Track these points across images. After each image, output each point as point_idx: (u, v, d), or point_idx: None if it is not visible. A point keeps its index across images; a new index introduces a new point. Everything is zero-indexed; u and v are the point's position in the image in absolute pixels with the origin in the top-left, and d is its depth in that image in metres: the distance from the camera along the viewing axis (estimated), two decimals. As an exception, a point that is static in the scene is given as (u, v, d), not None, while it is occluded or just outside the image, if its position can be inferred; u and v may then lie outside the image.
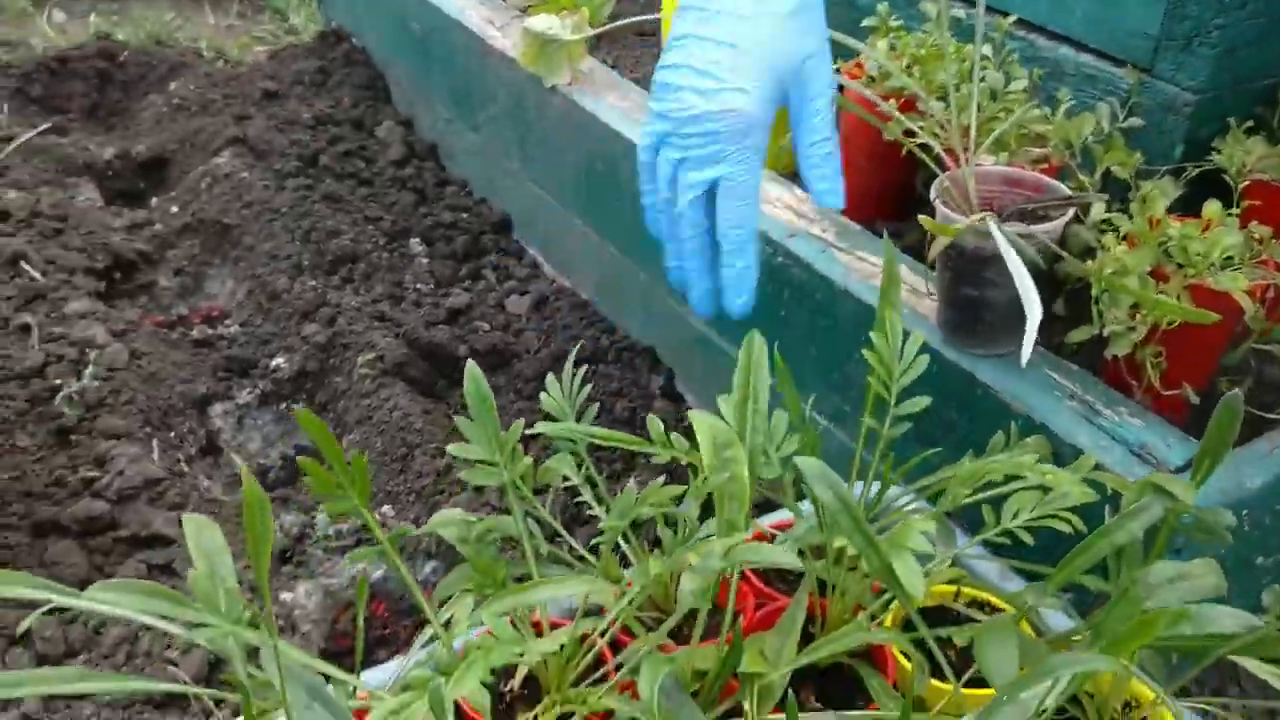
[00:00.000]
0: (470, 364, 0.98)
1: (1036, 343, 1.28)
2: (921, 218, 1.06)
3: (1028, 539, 0.97)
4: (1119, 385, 1.22)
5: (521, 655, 0.77)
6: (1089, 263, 1.14)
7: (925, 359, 0.99)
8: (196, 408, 1.67)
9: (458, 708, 0.91)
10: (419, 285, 1.89)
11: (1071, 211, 1.17)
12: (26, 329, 1.70)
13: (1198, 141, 1.38)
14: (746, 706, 0.89)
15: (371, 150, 2.18)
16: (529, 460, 0.98)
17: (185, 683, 1.23)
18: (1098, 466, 1.09)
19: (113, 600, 0.85)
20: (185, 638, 0.83)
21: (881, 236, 1.50)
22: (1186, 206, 1.29)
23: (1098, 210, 1.30)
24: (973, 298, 1.19)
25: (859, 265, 1.37)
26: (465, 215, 2.04)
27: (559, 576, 0.89)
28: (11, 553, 1.35)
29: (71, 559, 1.33)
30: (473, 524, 0.99)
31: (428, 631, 0.96)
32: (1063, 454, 1.13)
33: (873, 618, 0.97)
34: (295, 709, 0.73)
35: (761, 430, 0.92)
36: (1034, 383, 1.20)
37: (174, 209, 2.10)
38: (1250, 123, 1.35)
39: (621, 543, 1.04)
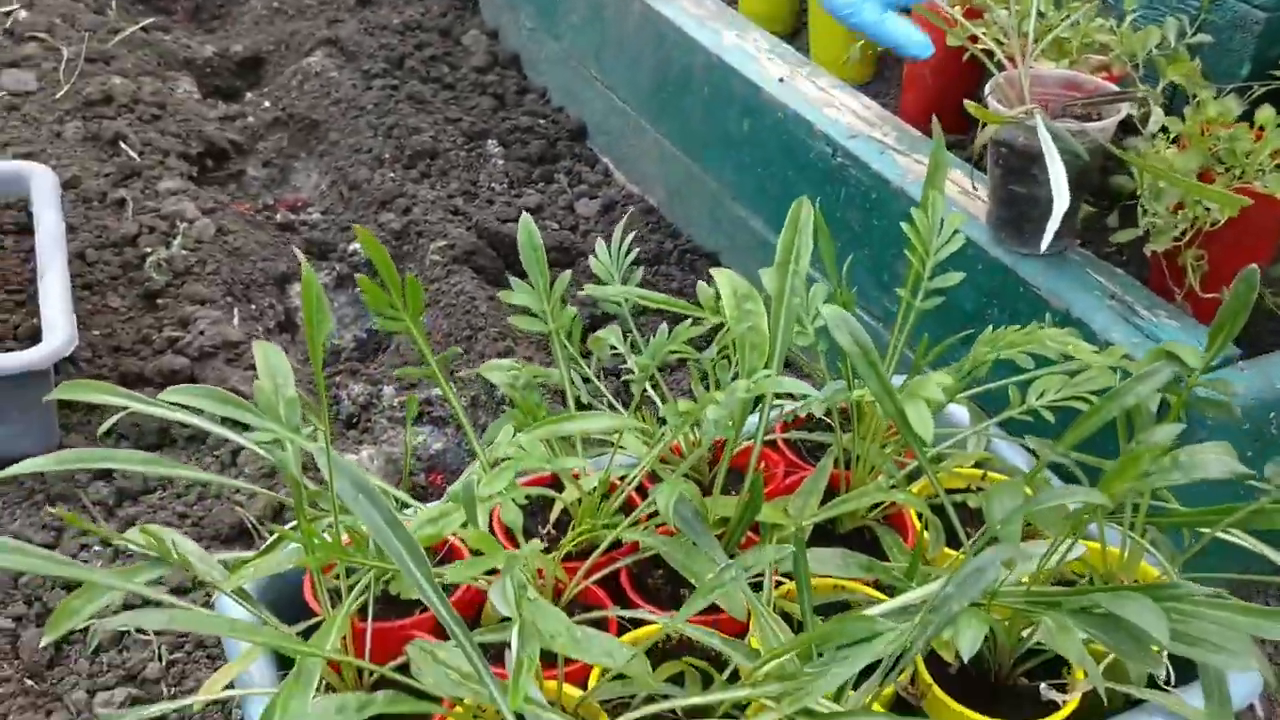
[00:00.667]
0: (524, 215, 1.04)
1: (1082, 244, 1.30)
2: (968, 103, 1.09)
3: (1049, 418, 1.00)
4: (1162, 292, 1.24)
5: (548, 465, 0.82)
6: (1134, 154, 1.15)
7: (962, 237, 1.02)
8: (276, 285, 1.76)
9: (494, 533, 0.97)
10: (493, 184, 1.96)
11: (1125, 111, 1.18)
12: (122, 203, 1.79)
13: (1265, 60, 1.38)
14: (766, 555, 0.94)
15: (456, 56, 2.24)
16: (574, 311, 1.04)
17: (251, 523, 1.32)
18: (1127, 359, 1.12)
19: (186, 400, 0.92)
20: (250, 444, 0.90)
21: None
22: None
23: (1156, 119, 1.32)
24: (1020, 195, 1.22)
25: (915, 167, 1.40)
26: (542, 122, 2.10)
27: (592, 413, 0.95)
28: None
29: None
30: (519, 371, 1.05)
31: (473, 465, 1.02)
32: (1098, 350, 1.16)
33: (893, 486, 1.01)
34: (346, 500, 0.79)
35: (800, 293, 0.96)
36: (1075, 281, 1.22)
37: (266, 104, 2.18)
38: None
39: (653, 393, 1.09)
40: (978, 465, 1.13)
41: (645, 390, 1.03)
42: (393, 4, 2.41)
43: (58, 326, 1.29)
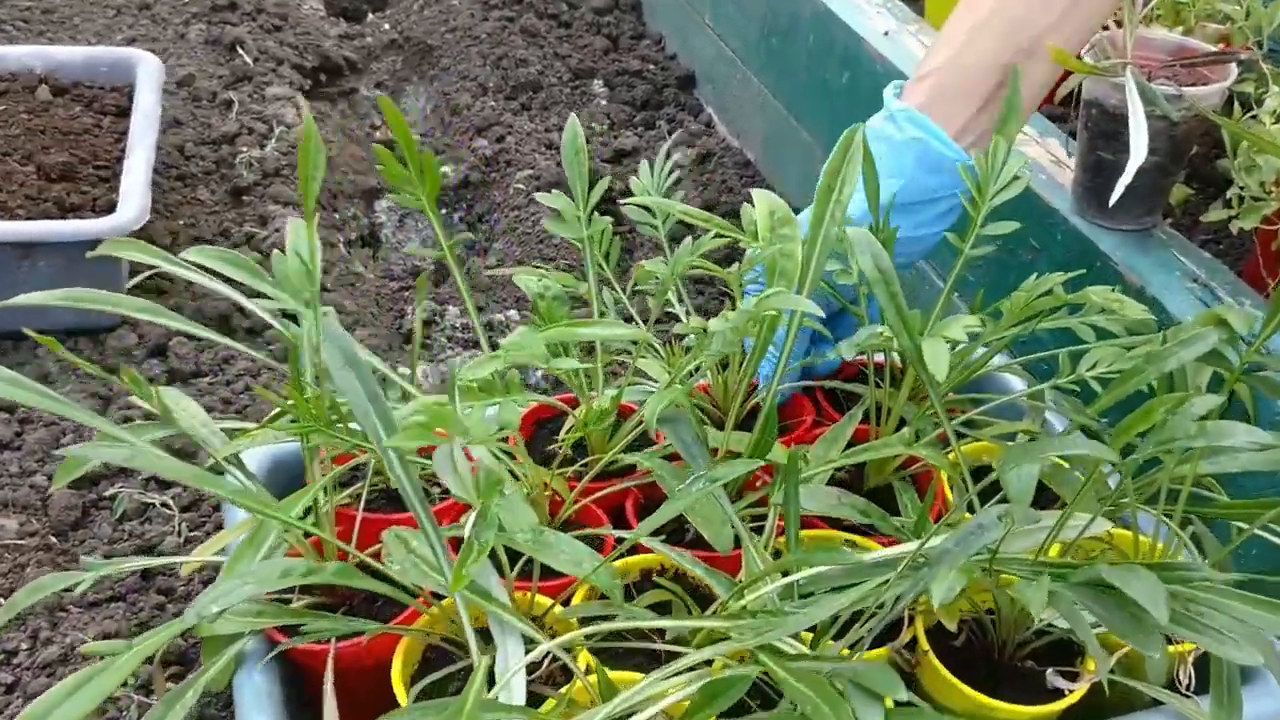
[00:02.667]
0: (571, 118, 1.01)
1: (1173, 223, 1.23)
2: (1050, 45, 1.02)
3: (1098, 389, 0.94)
4: (1255, 282, 1.16)
5: (546, 363, 0.80)
6: (1229, 120, 1.08)
7: (1022, 182, 0.96)
8: (364, 198, 1.77)
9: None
10: (593, 124, 1.94)
11: (1232, 78, 1.10)
12: (230, 104, 1.83)
13: None
14: (771, 497, 0.90)
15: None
16: (608, 222, 1.01)
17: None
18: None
19: (205, 260, 0.93)
20: (263, 313, 0.90)
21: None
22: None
23: (1275, 97, 1.23)
24: (1108, 161, 1.15)
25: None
26: (652, 67, 2.07)
27: (609, 321, 0.92)
28: (170, 283, 1.47)
29: (217, 297, 1.44)
30: (550, 281, 1.03)
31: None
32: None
33: (919, 437, 0.96)
34: (331, 368, 0.78)
35: (839, 221, 0.92)
36: (1156, 259, 1.15)
37: (385, 25, 2.20)
38: None
39: (683, 314, 1.06)
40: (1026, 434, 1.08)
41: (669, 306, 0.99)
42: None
43: (131, 201, 1.32)
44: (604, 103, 1.99)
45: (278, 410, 0.90)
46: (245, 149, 1.70)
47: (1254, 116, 1.13)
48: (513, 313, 1.57)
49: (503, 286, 1.62)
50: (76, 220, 1.29)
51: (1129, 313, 0.86)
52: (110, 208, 1.37)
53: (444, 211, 1.80)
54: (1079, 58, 1.14)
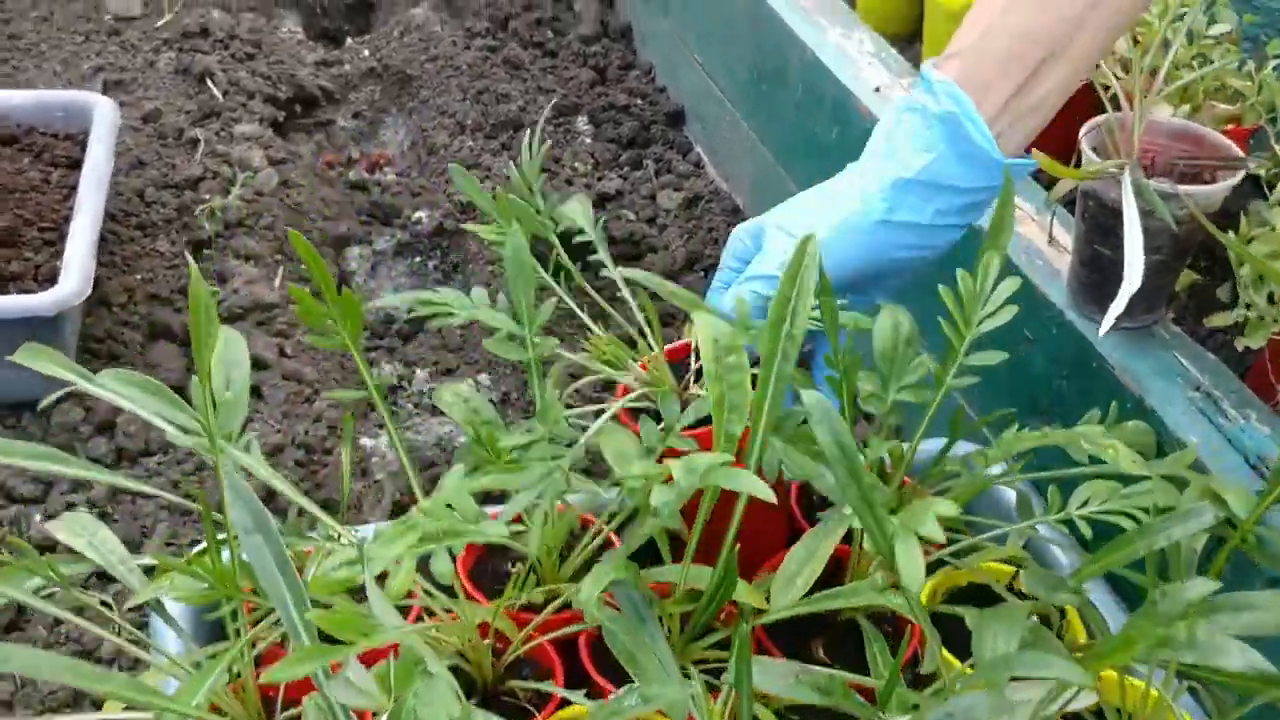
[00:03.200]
0: (513, 233, 0.94)
1: (1176, 321, 1.15)
2: (1035, 152, 0.94)
3: (1086, 532, 0.86)
4: (1261, 389, 1.08)
5: (459, 537, 0.73)
6: (1232, 234, 1.00)
7: (1012, 310, 0.88)
8: (333, 246, 1.70)
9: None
10: (576, 164, 1.86)
11: (1238, 178, 1.02)
12: (195, 143, 1.75)
13: None
14: (736, 642, 0.83)
15: (565, 22, 2.15)
16: (555, 344, 0.93)
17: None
18: (1199, 466, 0.97)
19: (119, 390, 0.86)
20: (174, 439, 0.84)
21: (1039, 183, 1.38)
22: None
23: (1285, 188, 1.15)
24: (1105, 258, 1.07)
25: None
26: (640, 101, 1.99)
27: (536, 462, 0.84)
28: (124, 348, 1.40)
29: (171, 364, 1.38)
30: (475, 401, 0.95)
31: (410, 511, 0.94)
32: (1167, 449, 1.01)
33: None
34: (239, 532, 0.72)
35: (792, 357, 0.84)
36: (1156, 363, 1.07)
37: (365, 52, 2.12)
38: None
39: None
40: (1012, 561, 1.00)
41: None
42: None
43: (73, 273, 1.25)
44: (589, 140, 1.91)
45: (185, 559, 0.83)
46: (208, 195, 1.63)
47: (1264, 224, 1.05)
48: (484, 376, 1.50)
49: (474, 347, 1.55)
50: (14, 296, 1.22)
51: (1124, 466, 0.78)
52: (53, 275, 1.30)
53: (417, 259, 1.73)
54: (1079, 145, 1.06)
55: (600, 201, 1.79)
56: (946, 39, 1.57)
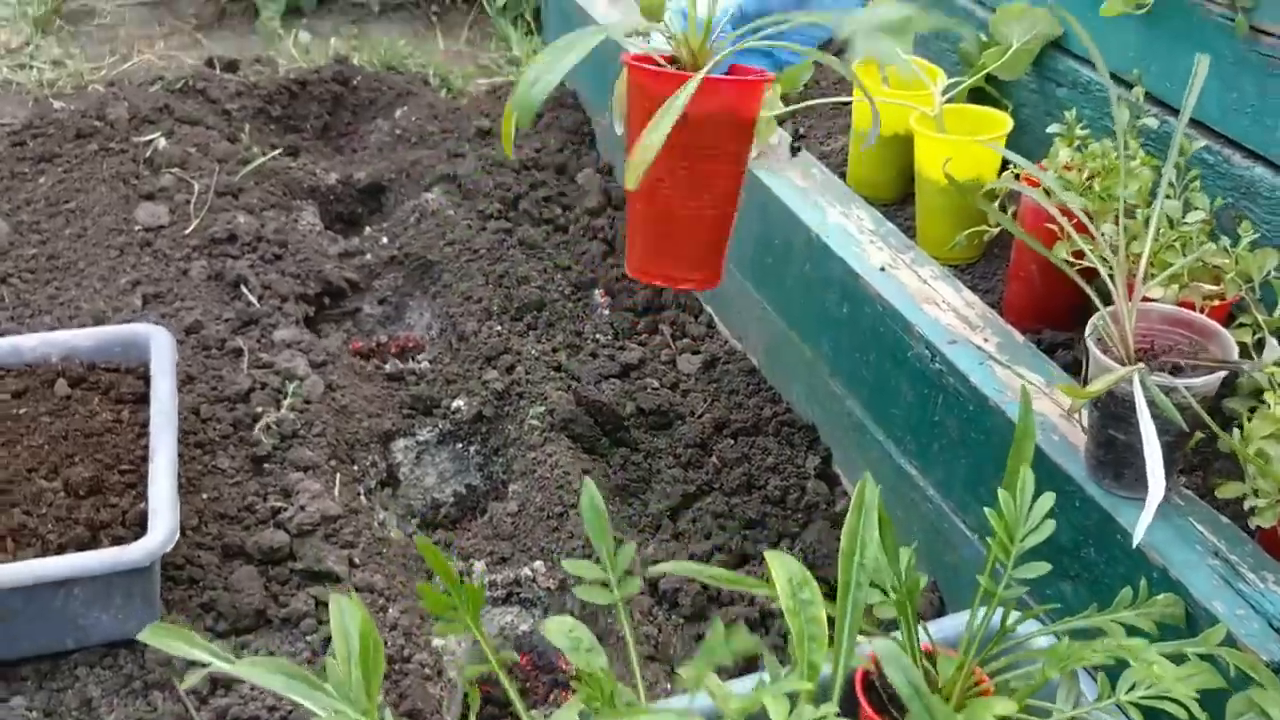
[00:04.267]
0: (587, 485, 1.03)
1: (1188, 486, 1.25)
2: (1061, 386, 1.05)
3: (1136, 717, 0.96)
4: (1272, 546, 1.18)
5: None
6: (1236, 431, 1.10)
7: (1051, 524, 0.98)
8: (381, 442, 1.80)
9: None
10: (597, 336, 1.97)
11: (1234, 353, 1.13)
12: (239, 353, 1.86)
13: (1396, 283, 1.31)
14: None
15: (570, 196, 2.27)
16: (638, 582, 1.03)
17: None
18: (1230, 639, 1.07)
19: (258, 676, 0.95)
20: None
21: (1043, 350, 1.49)
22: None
23: (1271, 350, 1.26)
24: (1120, 441, 1.17)
25: (1017, 384, 1.36)
26: (650, 268, 2.11)
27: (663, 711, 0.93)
28: (202, 571, 1.49)
29: (251, 586, 1.46)
30: (579, 633, 1.04)
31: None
32: (1197, 617, 1.11)
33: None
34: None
35: (866, 584, 0.94)
36: (1176, 533, 1.17)
37: (384, 240, 2.24)
38: None
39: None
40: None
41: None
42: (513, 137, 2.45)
43: (160, 522, 1.34)
44: (606, 312, 2.02)
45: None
46: (260, 408, 1.73)
47: (1256, 388, 1.16)
48: (539, 564, 1.59)
49: (527, 534, 1.64)
50: (111, 551, 1.31)
51: (1165, 681, 0.87)
52: (140, 520, 1.39)
53: (458, 445, 1.83)
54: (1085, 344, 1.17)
55: (624, 372, 1.90)
56: (937, 210, 1.70)
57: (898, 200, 1.87)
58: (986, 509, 0.98)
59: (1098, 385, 1.07)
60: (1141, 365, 1.09)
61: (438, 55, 3.08)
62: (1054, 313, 1.54)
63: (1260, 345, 1.28)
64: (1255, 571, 1.13)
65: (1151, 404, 1.10)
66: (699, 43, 1.14)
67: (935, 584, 1.52)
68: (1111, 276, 1.21)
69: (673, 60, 1.16)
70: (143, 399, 1.59)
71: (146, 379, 1.61)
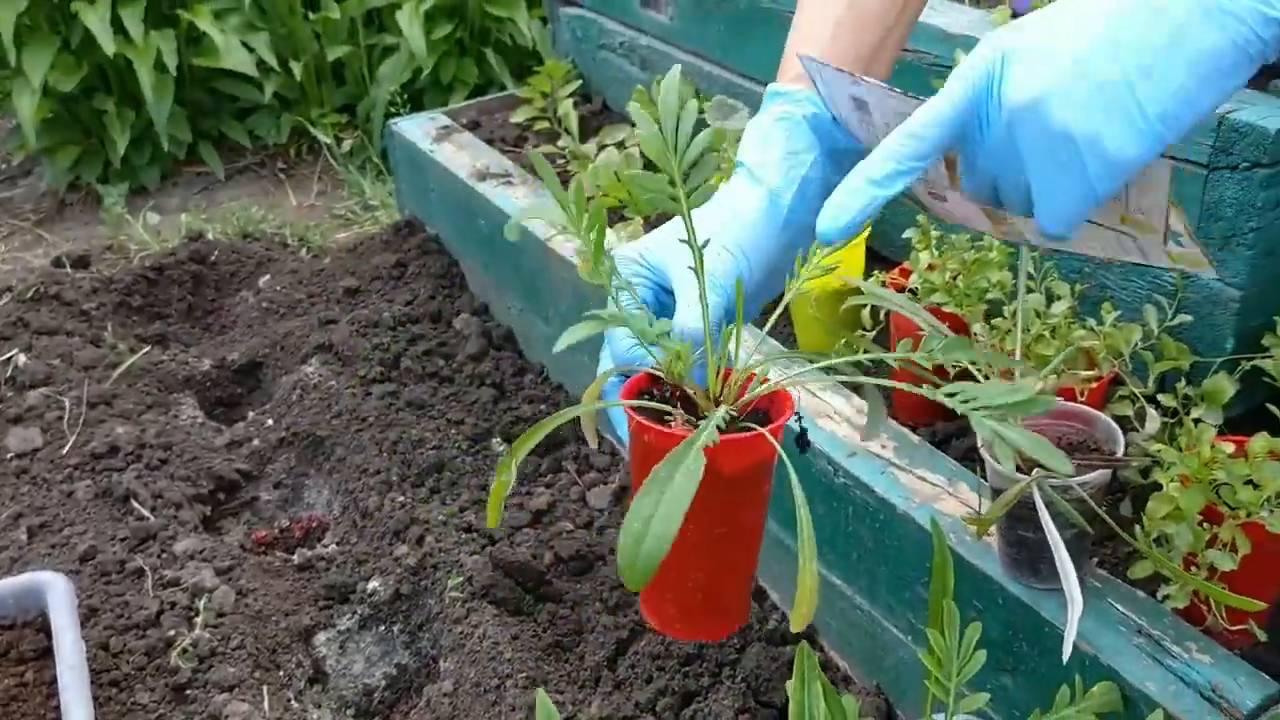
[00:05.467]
0: (541, 700, 1.02)
1: (1101, 562, 1.29)
2: (964, 519, 1.08)
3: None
4: (1196, 617, 1.22)
5: None
6: (1143, 513, 1.15)
7: (982, 654, 1.00)
8: (302, 640, 1.76)
9: None
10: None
11: (1121, 460, 1.18)
12: (140, 573, 1.80)
13: (1249, 332, 1.38)
14: None
15: (451, 345, 2.27)
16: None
17: None
18: (1169, 717, 1.10)
19: None
20: None
21: (938, 444, 1.53)
22: (1249, 395, 1.30)
23: (1152, 422, 1.31)
24: (1031, 539, 1.21)
25: (920, 486, 1.40)
26: (544, 406, 2.11)
27: None
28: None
29: (193, 830, 1.41)
30: None
31: None
32: (1133, 700, 1.14)
33: None
34: None
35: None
36: (1099, 618, 1.20)
37: (269, 421, 2.20)
38: (1300, 320, 1.35)
39: None
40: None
41: None
42: (380, 291, 2.44)
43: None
44: (507, 460, 2.01)
45: None
46: (173, 630, 1.68)
47: (1144, 454, 1.21)
48: (484, 741, 1.57)
49: (465, 712, 1.61)
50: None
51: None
52: (65, 790, 1.33)
53: (380, 628, 1.79)
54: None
55: (536, 519, 1.89)
56: (811, 320, 1.73)
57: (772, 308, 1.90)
58: (922, 648, 1.00)
59: (996, 509, 1.10)
60: (1038, 471, 1.13)
61: (292, 213, 3.07)
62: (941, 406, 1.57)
63: (1141, 415, 1.33)
64: (1179, 643, 1.17)
65: (1051, 505, 1.13)
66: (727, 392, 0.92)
67: (879, 686, 1.53)
68: (988, 378, 1.25)
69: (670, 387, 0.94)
70: (46, 653, 1.53)
71: (47, 630, 1.55)
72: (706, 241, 0.91)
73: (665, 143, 0.91)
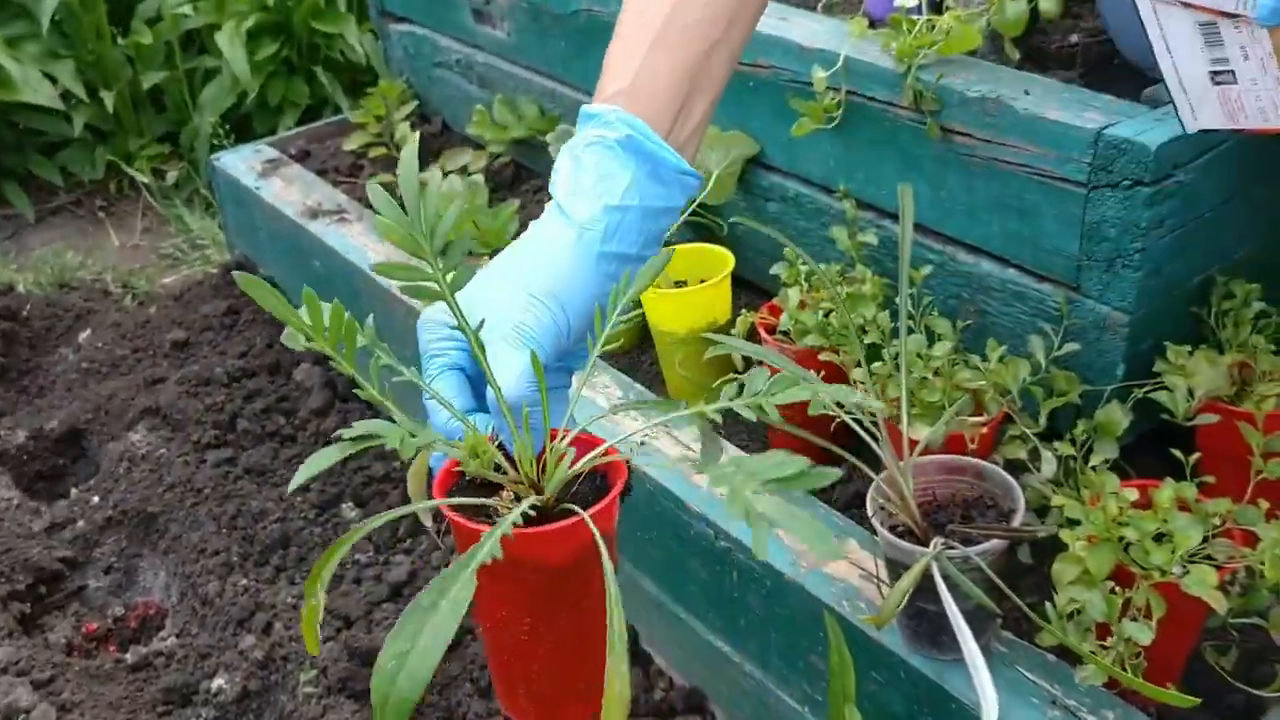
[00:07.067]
0: None
1: (1003, 623, 1.19)
2: (864, 618, 0.97)
3: None
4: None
5: None
6: (1047, 569, 1.05)
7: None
8: (143, 758, 1.57)
9: None
10: (357, 556, 1.80)
11: (1017, 526, 1.08)
12: (-54, 695, 1.59)
13: (1140, 355, 1.31)
14: None
15: (292, 399, 2.09)
16: None
17: None
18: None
19: None
20: None
21: (818, 494, 1.42)
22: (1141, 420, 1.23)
23: (1047, 463, 1.23)
24: (931, 611, 1.10)
25: (808, 550, 1.29)
26: (397, 464, 1.95)
27: None
28: None
29: None
30: None
31: None
32: (1054, 781, 1.05)
33: None
34: None
35: None
36: (1011, 689, 1.11)
37: (95, 499, 2.00)
38: (1189, 346, 1.27)
39: None
40: None
41: None
42: (212, 343, 2.24)
43: None
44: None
45: None
46: (-15, 764, 1.48)
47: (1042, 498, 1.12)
48: None
49: (329, 826, 1.46)
50: None
51: None
52: None
53: (233, 730, 1.62)
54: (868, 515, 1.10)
55: (395, 592, 1.73)
56: (678, 362, 1.61)
57: (634, 347, 1.78)
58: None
59: (894, 598, 1.00)
60: (938, 544, 1.02)
61: (114, 255, 2.83)
62: (819, 452, 1.47)
63: (1035, 456, 1.24)
64: (1095, 713, 1.08)
65: (949, 578, 1.03)
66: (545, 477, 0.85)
67: (776, 757, 1.42)
68: (872, 432, 1.15)
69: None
70: None
71: None
72: (481, 323, 0.85)
73: (412, 225, 0.83)
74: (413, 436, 0.81)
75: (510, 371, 0.84)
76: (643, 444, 1.46)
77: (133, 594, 1.89)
